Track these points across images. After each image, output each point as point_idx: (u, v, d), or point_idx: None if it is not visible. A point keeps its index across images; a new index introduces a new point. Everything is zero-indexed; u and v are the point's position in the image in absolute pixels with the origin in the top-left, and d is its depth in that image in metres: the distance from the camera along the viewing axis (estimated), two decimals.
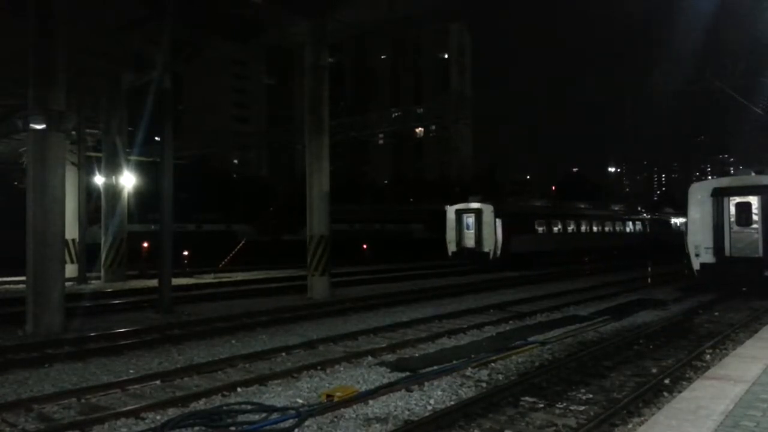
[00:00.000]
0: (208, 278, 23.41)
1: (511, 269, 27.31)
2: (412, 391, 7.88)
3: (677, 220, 47.46)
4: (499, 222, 28.30)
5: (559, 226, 33.58)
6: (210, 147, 51.13)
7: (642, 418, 6.60)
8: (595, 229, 36.88)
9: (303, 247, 19.49)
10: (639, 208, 46.94)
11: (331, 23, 18.79)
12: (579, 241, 34.70)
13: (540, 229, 31.98)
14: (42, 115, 12.24)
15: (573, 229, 34.67)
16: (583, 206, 39.04)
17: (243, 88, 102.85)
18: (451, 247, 30.13)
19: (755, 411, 5.36)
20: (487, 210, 28.69)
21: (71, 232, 20.86)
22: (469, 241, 29.31)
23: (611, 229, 38.89)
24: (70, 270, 20.15)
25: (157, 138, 18.56)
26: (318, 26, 18.56)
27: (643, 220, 43.73)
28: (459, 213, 30.00)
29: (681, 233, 45.38)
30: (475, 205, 29.53)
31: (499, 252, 28.13)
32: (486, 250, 28.50)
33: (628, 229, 41.26)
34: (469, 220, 29.43)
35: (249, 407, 7.17)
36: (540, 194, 62.67)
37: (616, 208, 42.60)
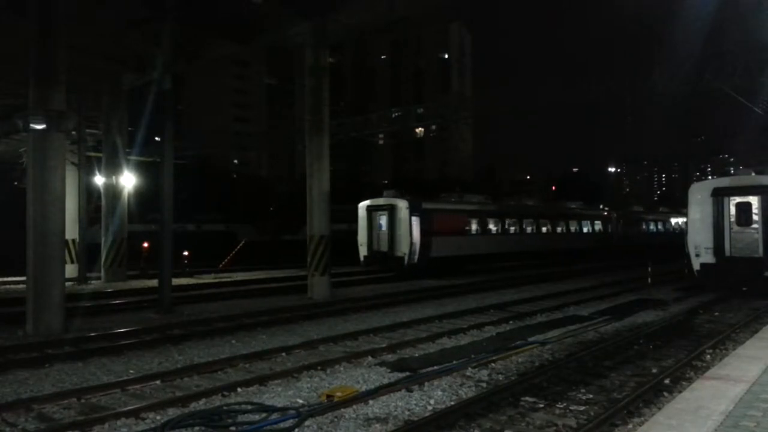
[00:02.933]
0: (208, 278, 23.41)
1: (431, 276, 23.64)
2: (412, 391, 7.88)
3: (649, 220, 43.79)
4: (415, 220, 24.15)
5: (499, 226, 29.24)
6: (210, 147, 51.14)
7: (642, 418, 6.60)
8: (544, 229, 32.69)
9: (303, 247, 19.49)
10: (601, 206, 41.97)
11: (332, 24, 18.80)
12: (523, 242, 30.68)
13: (473, 229, 27.70)
14: (42, 115, 12.25)
15: (516, 229, 30.46)
16: (531, 203, 34.71)
17: (243, 89, 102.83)
18: (363, 251, 25.59)
19: (755, 411, 5.36)
20: (402, 206, 24.39)
21: (71, 232, 20.87)
22: (383, 243, 24.90)
23: (564, 229, 34.44)
24: (71, 270, 20.16)
25: (157, 138, 18.58)
26: (318, 27, 18.57)
27: (605, 219, 38.92)
28: (370, 210, 25.42)
29: (652, 234, 42.54)
30: (387, 200, 25.12)
31: (416, 256, 23.96)
32: (400, 254, 24.14)
33: (586, 229, 36.66)
34: (382, 218, 25.04)
35: (249, 407, 7.17)
36: (541, 194, 62.29)
37: (573, 206, 37.91)
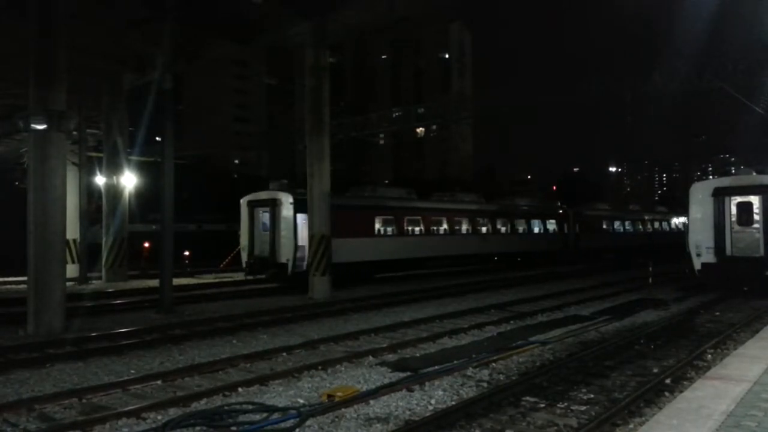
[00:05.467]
0: (209, 278, 23.42)
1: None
2: (413, 391, 7.88)
3: (615, 219, 38.90)
4: (303, 219, 19.68)
5: (421, 226, 24.88)
6: (210, 147, 51.16)
7: (643, 418, 6.60)
8: (483, 229, 28.42)
9: None
10: (559, 203, 37.86)
11: (332, 24, 18.81)
12: (453, 245, 26.43)
13: (385, 230, 23.44)
14: (43, 115, 12.27)
15: (445, 230, 26.12)
16: (468, 199, 29.83)
17: (243, 89, 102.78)
18: (244, 257, 21.43)
19: (756, 411, 5.35)
20: (285, 201, 20.17)
21: (72, 232, 20.87)
22: (264, 247, 20.66)
23: (508, 229, 30.09)
24: (71, 270, 20.16)
25: (157, 138, 18.57)
26: (318, 27, 18.58)
27: (559, 219, 34.29)
28: (253, 206, 21.24)
29: (618, 235, 37.83)
30: (270, 194, 20.87)
31: (303, 263, 19.58)
32: (282, 260, 19.98)
33: (536, 230, 32.53)
34: (265, 216, 20.87)
35: (250, 407, 7.17)
36: (541, 194, 62.01)
37: (523, 203, 33.73)
